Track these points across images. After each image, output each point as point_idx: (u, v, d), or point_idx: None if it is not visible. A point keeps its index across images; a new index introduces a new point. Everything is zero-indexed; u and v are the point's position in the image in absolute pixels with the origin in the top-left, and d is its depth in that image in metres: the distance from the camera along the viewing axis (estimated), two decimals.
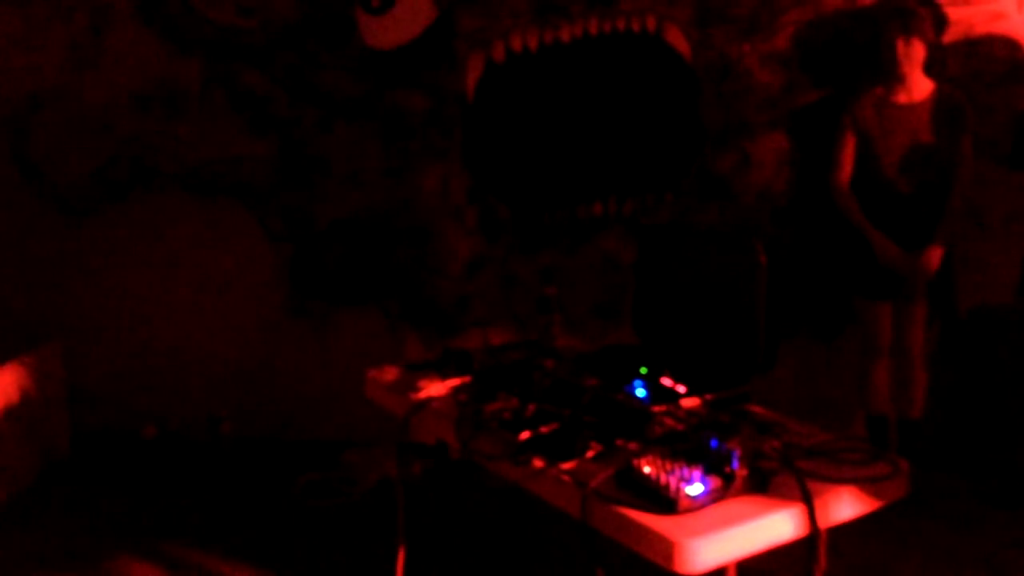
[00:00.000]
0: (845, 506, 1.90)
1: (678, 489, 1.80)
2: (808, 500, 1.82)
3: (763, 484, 1.87)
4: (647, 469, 1.88)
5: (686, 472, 1.85)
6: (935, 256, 3.22)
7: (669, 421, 2.08)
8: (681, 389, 2.19)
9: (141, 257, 3.84)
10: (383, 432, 2.59)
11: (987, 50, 3.44)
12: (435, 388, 2.38)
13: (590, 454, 1.99)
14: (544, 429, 2.08)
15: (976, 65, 3.45)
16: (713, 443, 1.92)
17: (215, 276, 3.84)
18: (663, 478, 1.84)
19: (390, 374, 2.54)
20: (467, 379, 2.40)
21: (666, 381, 2.22)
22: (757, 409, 2.17)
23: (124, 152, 3.78)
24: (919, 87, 3.24)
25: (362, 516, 3.21)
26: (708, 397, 2.17)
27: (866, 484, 1.92)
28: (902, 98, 3.25)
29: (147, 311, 3.86)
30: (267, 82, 3.71)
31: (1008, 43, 3.43)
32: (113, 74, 3.74)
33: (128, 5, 3.70)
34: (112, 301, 3.85)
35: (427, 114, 3.66)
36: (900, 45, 3.20)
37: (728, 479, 1.84)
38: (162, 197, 3.80)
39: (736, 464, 1.86)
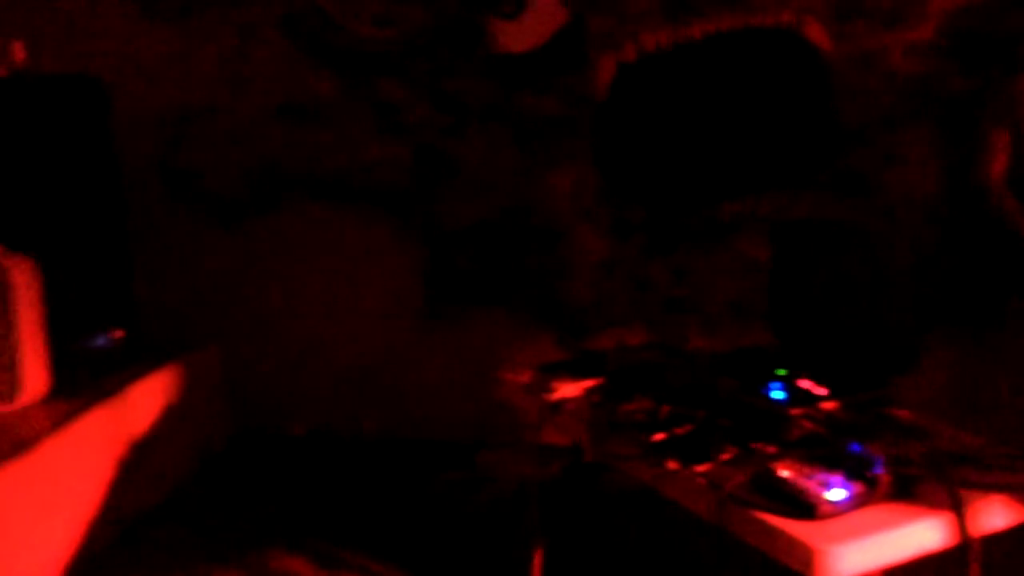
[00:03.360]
0: (998, 515, 1.81)
1: (818, 494, 1.76)
2: (958, 507, 1.75)
3: (909, 491, 1.81)
4: (785, 473, 1.84)
5: (826, 477, 1.80)
6: None
7: (808, 424, 2.03)
8: (821, 391, 2.13)
9: (288, 263, 3.99)
10: (518, 433, 2.61)
11: None
12: (569, 389, 2.39)
13: (725, 457, 1.96)
14: (678, 431, 2.06)
15: None
16: (855, 447, 1.87)
17: (357, 279, 3.95)
18: (802, 482, 1.80)
19: (524, 375, 2.56)
20: (600, 380, 2.40)
21: (805, 383, 2.17)
22: (901, 412, 2.10)
23: (270, 162, 3.93)
24: None
25: (499, 516, 3.25)
26: (849, 399, 2.11)
27: (1021, 491, 1.83)
28: None
29: (295, 314, 4.01)
30: (402, 89, 3.80)
31: None
32: (258, 87, 3.90)
33: (272, 21, 3.85)
34: (263, 305, 4.01)
35: (558, 116, 3.68)
36: None
37: (871, 485, 1.79)
38: (306, 204, 3.94)
39: (879, 469, 1.80)
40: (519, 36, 3.65)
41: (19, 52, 3.28)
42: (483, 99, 3.76)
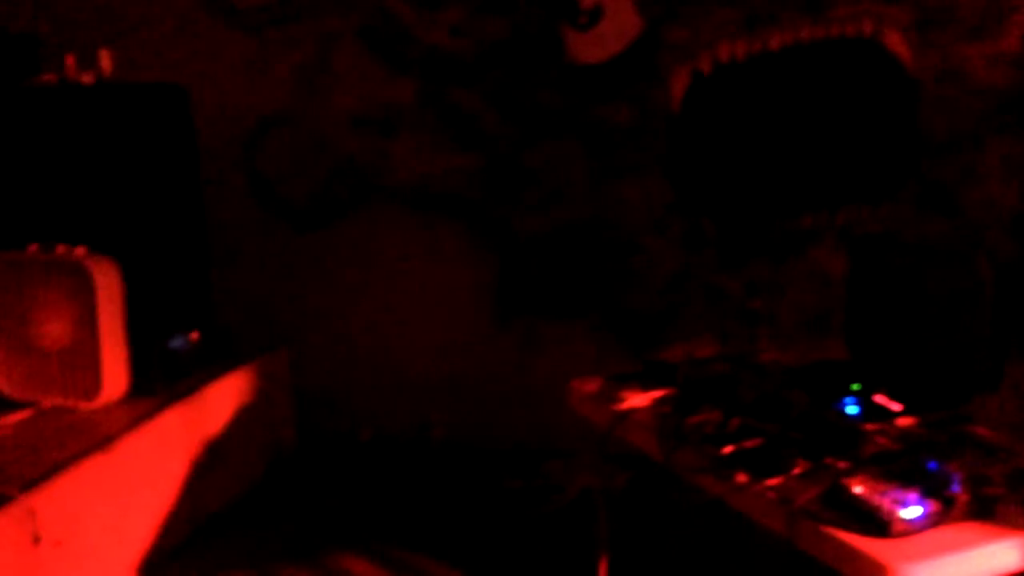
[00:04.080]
0: None
1: (892, 511, 1.72)
2: None
3: (987, 510, 1.75)
4: (858, 489, 1.80)
5: (901, 494, 1.76)
6: None
7: (883, 440, 1.99)
8: (896, 407, 2.09)
9: (360, 269, 4.04)
10: (585, 442, 2.60)
11: None
12: (637, 399, 2.38)
13: (796, 471, 1.93)
14: (748, 444, 2.04)
15: None
16: (931, 465, 1.82)
17: (427, 287, 3.99)
18: (876, 499, 1.76)
19: (593, 385, 2.55)
20: (670, 391, 2.38)
21: (880, 398, 2.13)
22: (981, 430, 2.04)
23: (345, 170, 4.00)
24: None
25: (564, 526, 3.24)
26: (927, 416, 2.07)
27: None
28: None
29: (365, 320, 4.06)
30: (476, 99, 3.83)
31: None
32: (335, 96, 3.97)
33: (351, 31, 3.92)
34: (334, 311, 4.07)
35: (632, 128, 3.67)
36: None
37: (947, 503, 1.74)
38: (379, 212, 3.99)
39: (957, 488, 1.75)
40: (594, 47, 3.65)
41: (106, 60, 3.38)
42: (557, 110, 3.77)
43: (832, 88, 3.48)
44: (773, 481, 1.91)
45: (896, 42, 3.38)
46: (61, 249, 3.08)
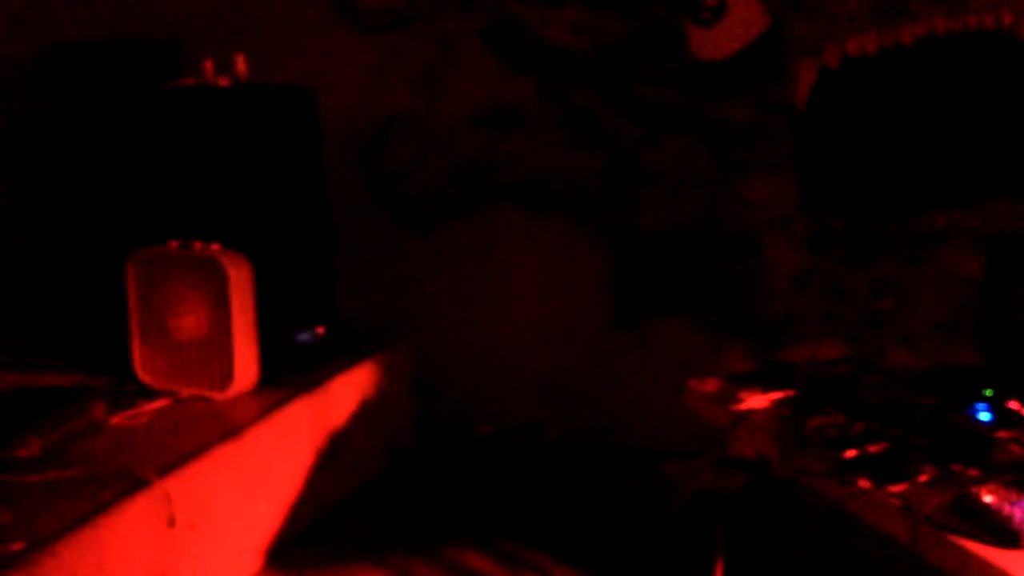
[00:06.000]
0: None
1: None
2: None
3: None
4: (988, 498, 1.73)
5: None
6: None
7: (1016, 449, 1.91)
8: None
9: (479, 266, 4.09)
10: (703, 443, 2.57)
11: None
12: (756, 401, 2.34)
13: (922, 478, 1.87)
14: (872, 448, 1.98)
15: None
16: None
17: (543, 285, 4.00)
18: (1007, 509, 1.69)
19: (711, 385, 2.53)
20: (790, 393, 2.34)
21: (1015, 405, 2.04)
22: None
23: (465, 168, 4.05)
24: None
25: (680, 528, 3.21)
26: None
27: None
28: None
29: (483, 317, 4.10)
30: (595, 98, 3.82)
31: None
32: (457, 96, 4.02)
33: (472, 32, 3.97)
34: (453, 308, 4.13)
35: (754, 124, 3.61)
36: None
37: None
38: (497, 210, 4.03)
39: None
40: (717, 43, 3.60)
41: (241, 64, 3.51)
42: (677, 107, 3.73)
43: (968, 81, 3.35)
44: (897, 488, 1.86)
45: None
46: (198, 245, 3.22)
